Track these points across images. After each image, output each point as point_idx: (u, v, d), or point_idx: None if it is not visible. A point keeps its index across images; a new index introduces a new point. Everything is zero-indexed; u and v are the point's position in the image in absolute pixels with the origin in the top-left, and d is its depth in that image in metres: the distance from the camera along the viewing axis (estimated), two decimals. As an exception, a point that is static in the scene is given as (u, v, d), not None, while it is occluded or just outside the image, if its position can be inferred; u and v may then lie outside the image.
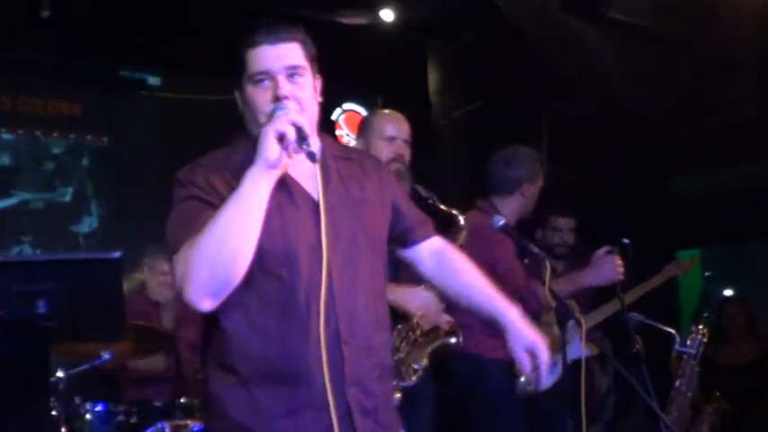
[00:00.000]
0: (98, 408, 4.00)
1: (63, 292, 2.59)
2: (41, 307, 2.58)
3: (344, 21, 6.36)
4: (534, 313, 3.68)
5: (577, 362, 3.33)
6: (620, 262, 3.68)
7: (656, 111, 5.53)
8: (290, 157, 2.07)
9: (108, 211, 6.17)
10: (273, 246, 2.11)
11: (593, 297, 4.39)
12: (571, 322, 3.26)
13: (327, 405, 2.11)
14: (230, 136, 2.31)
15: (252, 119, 2.21)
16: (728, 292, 6.52)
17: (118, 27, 5.57)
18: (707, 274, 6.85)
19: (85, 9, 5.48)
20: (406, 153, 3.58)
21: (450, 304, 3.72)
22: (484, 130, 6.31)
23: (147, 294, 4.89)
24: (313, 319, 2.12)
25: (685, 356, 4.55)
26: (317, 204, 2.19)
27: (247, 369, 2.13)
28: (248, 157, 2.10)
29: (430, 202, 3.43)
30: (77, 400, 4.00)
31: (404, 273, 2.95)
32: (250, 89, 2.19)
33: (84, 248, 5.98)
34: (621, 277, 3.67)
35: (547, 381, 2.31)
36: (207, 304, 2.06)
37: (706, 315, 4.97)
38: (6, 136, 5.90)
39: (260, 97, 2.17)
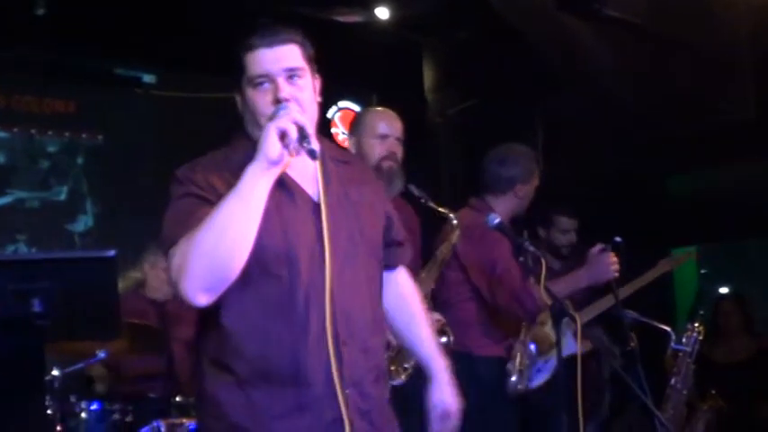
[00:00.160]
0: (93, 406, 3.99)
1: (58, 291, 2.58)
2: (36, 305, 2.57)
3: (340, 19, 6.35)
4: (531, 314, 3.68)
5: (572, 358, 3.33)
6: (615, 259, 3.68)
7: (651, 109, 5.52)
8: (290, 154, 2.07)
9: (103, 209, 6.15)
10: (273, 246, 2.11)
11: (588, 294, 4.39)
12: (566, 319, 3.26)
13: (326, 406, 2.11)
14: (226, 134, 2.32)
15: (252, 121, 2.21)
16: (724, 290, 6.54)
17: (113, 25, 5.55)
18: (703, 271, 6.87)
19: (80, 7, 5.47)
20: (399, 151, 3.53)
21: (443, 302, 3.74)
22: (479, 128, 6.30)
23: (144, 293, 4.88)
24: (312, 320, 2.12)
25: (681, 354, 4.55)
26: (316, 205, 2.19)
27: (244, 369, 2.13)
28: (248, 157, 2.10)
29: (422, 201, 3.42)
30: (72, 398, 4.01)
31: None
32: (250, 92, 2.19)
33: (80, 247, 5.96)
34: (617, 275, 3.68)
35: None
36: (202, 299, 2.05)
37: (702, 312, 4.99)
38: (1, 134, 5.89)
39: (260, 100, 2.17)
